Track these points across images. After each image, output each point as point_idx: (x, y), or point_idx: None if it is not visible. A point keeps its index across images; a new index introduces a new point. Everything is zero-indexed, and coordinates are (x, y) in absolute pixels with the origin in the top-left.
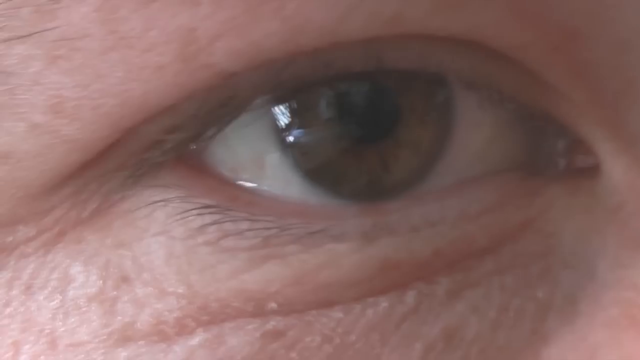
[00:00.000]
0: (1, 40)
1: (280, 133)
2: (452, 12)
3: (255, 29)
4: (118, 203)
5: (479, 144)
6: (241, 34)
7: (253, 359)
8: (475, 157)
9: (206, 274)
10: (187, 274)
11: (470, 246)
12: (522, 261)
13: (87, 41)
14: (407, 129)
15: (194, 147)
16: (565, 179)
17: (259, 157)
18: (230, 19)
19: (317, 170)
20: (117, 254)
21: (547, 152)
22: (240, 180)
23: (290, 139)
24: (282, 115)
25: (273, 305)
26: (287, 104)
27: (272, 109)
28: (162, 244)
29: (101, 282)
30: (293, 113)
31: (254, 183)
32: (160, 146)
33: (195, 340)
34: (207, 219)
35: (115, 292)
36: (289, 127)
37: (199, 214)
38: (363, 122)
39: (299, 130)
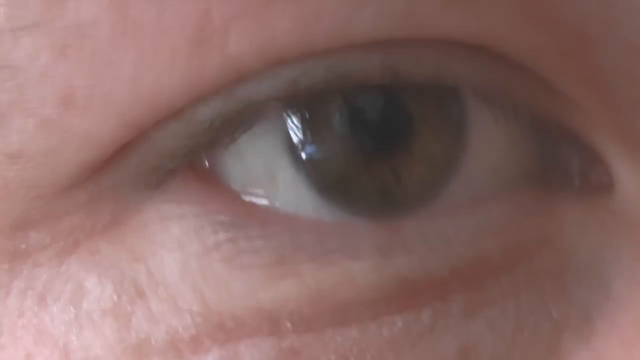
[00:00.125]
0: (8, 30)
1: (293, 148)
2: (463, 10)
3: (269, 13)
4: (133, 216)
5: (493, 159)
6: (255, 17)
7: None
8: (489, 172)
9: (221, 291)
10: (202, 291)
11: (486, 264)
12: (538, 279)
13: (97, 28)
14: (421, 143)
15: (207, 161)
16: (579, 195)
17: (271, 173)
18: (246, 0)
19: (330, 185)
20: (132, 268)
21: (562, 168)
22: (253, 196)
23: (303, 154)
24: (295, 130)
25: (288, 323)
26: (300, 118)
27: (286, 123)
28: (177, 260)
29: (116, 296)
30: (306, 127)
31: (267, 199)
32: (172, 153)
33: (210, 358)
34: (222, 235)
35: (130, 307)
36: (302, 143)
37: (213, 231)
38: (376, 137)
39: (311, 146)
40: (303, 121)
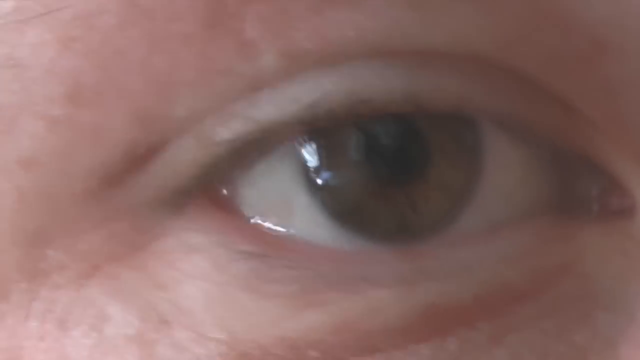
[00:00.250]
0: (12, 22)
1: (309, 175)
2: (477, 16)
3: None
4: (153, 243)
5: (510, 185)
6: (271, 1)
7: None
8: (506, 199)
9: (245, 320)
10: (226, 320)
11: (509, 291)
12: (562, 306)
13: (104, 18)
14: (437, 170)
15: (225, 189)
16: (600, 221)
17: (288, 200)
18: None
19: (347, 213)
20: (155, 295)
21: (581, 194)
22: (271, 223)
23: (319, 181)
24: (311, 157)
25: (314, 353)
26: (316, 145)
27: (302, 149)
28: (200, 289)
29: (139, 323)
30: (322, 154)
31: (285, 227)
32: (189, 174)
33: None
34: (244, 265)
35: (154, 335)
36: (317, 170)
37: (235, 260)
38: (392, 164)
39: (327, 173)
40: (319, 148)
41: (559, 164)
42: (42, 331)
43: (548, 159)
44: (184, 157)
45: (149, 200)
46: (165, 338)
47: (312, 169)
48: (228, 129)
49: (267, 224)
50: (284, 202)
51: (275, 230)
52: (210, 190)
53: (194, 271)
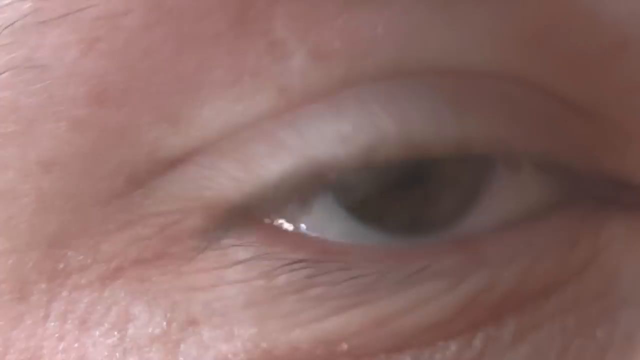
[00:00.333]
0: (33, 25)
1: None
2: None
3: None
4: (189, 251)
5: (532, 179)
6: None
7: None
8: (527, 193)
9: (286, 321)
10: (264, 319)
11: (535, 286)
12: (584, 300)
13: (129, 18)
14: (453, 163)
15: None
16: (623, 216)
17: (305, 200)
18: None
19: (365, 210)
20: (187, 297)
21: (603, 190)
22: (304, 229)
23: (337, 181)
24: None
25: (344, 346)
26: None
27: None
28: (241, 291)
29: (166, 323)
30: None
31: (316, 230)
32: (236, 211)
33: None
34: (298, 273)
35: (180, 334)
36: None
37: (290, 269)
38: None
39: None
40: None
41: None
42: (62, 331)
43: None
44: (222, 181)
45: (181, 208)
46: (192, 336)
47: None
48: (279, 163)
49: (305, 231)
50: (302, 204)
51: (318, 237)
52: (257, 213)
53: (234, 277)
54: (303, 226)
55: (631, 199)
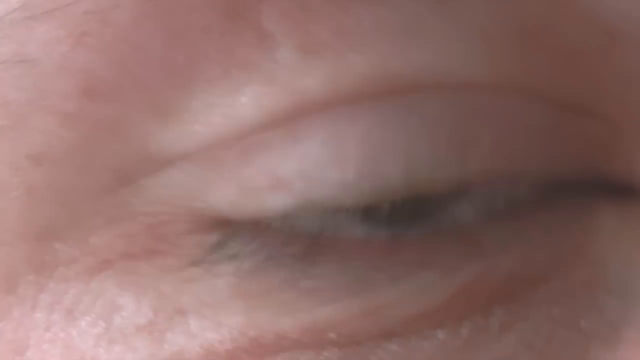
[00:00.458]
0: (21, 19)
1: None
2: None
3: None
4: (178, 250)
5: None
6: None
7: None
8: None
9: (276, 311)
10: (253, 310)
11: (524, 276)
12: (571, 290)
13: (118, 12)
14: None
15: None
16: (613, 207)
17: None
18: None
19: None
20: (177, 289)
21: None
22: (294, 223)
23: None
24: None
25: (333, 335)
26: None
27: None
28: (230, 284)
29: (152, 313)
30: None
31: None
32: (229, 224)
33: None
34: (286, 269)
35: (166, 324)
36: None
37: (281, 264)
38: None
39: None
40: None
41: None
42: (49, 322)
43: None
44: (220, 200)
45: (169, 210)
46: (178, 326)
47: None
48: (275, 200)
49: (291, 224)
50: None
51: (311, 232)
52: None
53: (225, 272)
54: (295, 220)
55: (619, 192)
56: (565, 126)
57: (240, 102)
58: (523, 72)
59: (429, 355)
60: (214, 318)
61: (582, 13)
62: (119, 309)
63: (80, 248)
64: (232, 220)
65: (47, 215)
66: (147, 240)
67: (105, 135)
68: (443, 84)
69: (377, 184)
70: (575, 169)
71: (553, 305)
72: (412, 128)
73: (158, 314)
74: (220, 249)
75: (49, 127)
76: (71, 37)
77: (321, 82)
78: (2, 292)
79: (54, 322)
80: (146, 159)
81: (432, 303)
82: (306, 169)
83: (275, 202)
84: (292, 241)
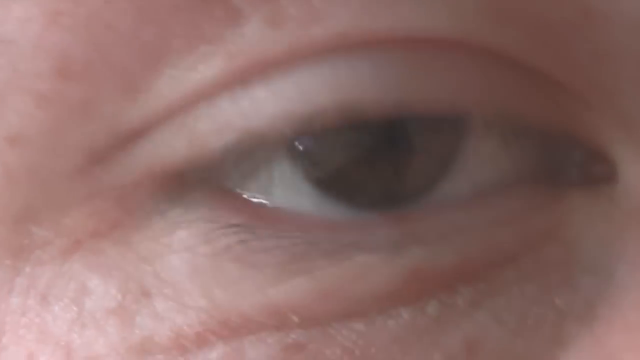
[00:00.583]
0: None
1: (290, 143)
2: None
3: None
4: (139, 220)
5: (494, 152)
6: None
7: None
8: (491, 166)
9: (231, 289)
10: (211, 289)
11: (494, 254)
12: (543, 269)
13: None
14: (421, 136)
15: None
16: (583, 186)
17: (269, 169)
18: None
19: (331, 181)
20: (138, 268)
21: (565, 162)
22: (254, 195)
23: (301, 148)
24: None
25: (295, 318)
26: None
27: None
28: (185, 261)
29: (120, 295)
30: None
31: (268, 198)
32: (181, 177)
33: (215, 353)
34: (233, 237)
35: (134, 306)
36: (299, 137)
37: (224, 234)
38: (375, 131)
39: (309, 139)
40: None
41: (542, 137)
42: (24, 307)
43: (532, 134)
44: (173, 153)
45: (135, 182)
46: (146, 308)
47: (293, 137)
48: (219, 138)
49: (251, 197)
50: (265, 171)
51: (260, 202)
52: (199, 179)
53: (179, 245)
54: (252, 191)
55: (591, 174)
56: (532, 87)
57: (205, 76)
58: (492, 33)
59: (395, 333)
60: (177, 299)
61: None
62: (89, 292)
63: (54, 230)
64: (185, 176)
65: (23, 198)
66: (114, 214)
67: (77, 114)
68: (397, 37)
69: (310, 110)
70: (542, 123)
71: (525, 283)
72: (360, 71)
73: (125, 297)
74: (174, 215)
75: (24, 107)
76: (45, 16)
77: (285, 53)
78: None
79: (30, 307)
80: (116, 136)
81: (384, 284)
82: (247, 107)
83: (218, 141)
84: (240, 211)
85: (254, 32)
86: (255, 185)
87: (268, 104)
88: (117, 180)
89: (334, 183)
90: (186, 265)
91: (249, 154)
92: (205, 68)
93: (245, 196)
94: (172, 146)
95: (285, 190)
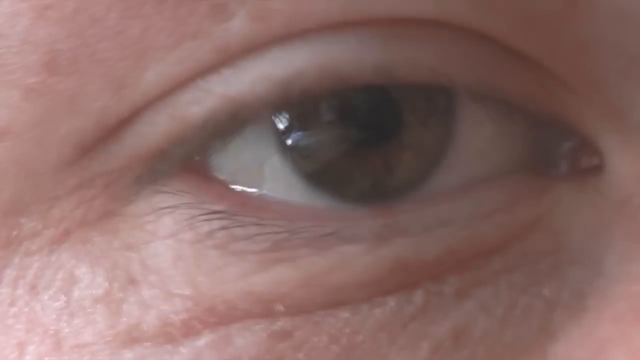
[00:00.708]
0: None
1: (281, 137)
2: None
3: None
4: (125, 207)
5: (481, 144)
6: None
7: None
8: (478, 157)
9: (214, 276)
10: (194, 276)
11: (480, 245)
12: (531, 259)
13: None
14: (409, 130)
15: (197, 157)
16: (571, 177)
17: (260, 162)
18: None
19: (319, 173)
20: (124, 256)
21: (552, 152)
22: (244, 185)
23: (291, 142)
24: (283, 119)
25: (280, 306)
26: (289, 111)
27: (274, 114)
28: (170, 247)
29: (107, 284)
30: (294, 117)
31: (257, 188)
32: (165, 155)
33: (202, 341)
34: (216, 224)
35: (121, 294)
36: (289, 131)
37: (207, 220)
38: (365, 124)
39: (299, 133)
40: (292, 111)
41: (530, 123)
42: (13, 296)
43: (519, 118)
44: (155, 130)
45: (121, 167)
46: (132, 296)
47: (284, 131)
48: (200, 107)
49: (241, 187)
50: (255, 163)
51: (249, 191)
52: (183, 158)
53: (163, 231)
54: (243, 185)
55: (579, 165)
56: (518, 67)
57: (191, 71)
58: (479, 20)
59: (382, 321)
60: (162, 287)
61: None
62: (77, 281)
63: (43, 221)
64: (169, 153)
65: (12, 190)
66: (102, 202)
67: (65, 107)
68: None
69: (289, 73)
70: (528, 102)
71: (512, 273)
72: (342, 37)
73: (112, 285)
74: (159, 201)
75: (12, 100)
76: (33, 10)
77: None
78: None
79: (19, 297)
80: (104, 127)
81: (367, 273)
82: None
83: (199, 110)
84: (223, 198)
85: (240, 27)
86: (245, 179)
87: (247, 69)
88: (105, 167)
89: (323, 177)
90: (171, 252)
91: (231, 122)
92: (191, 62)
93: (231, 185)
94: (154, 123)
95: (275, 183)
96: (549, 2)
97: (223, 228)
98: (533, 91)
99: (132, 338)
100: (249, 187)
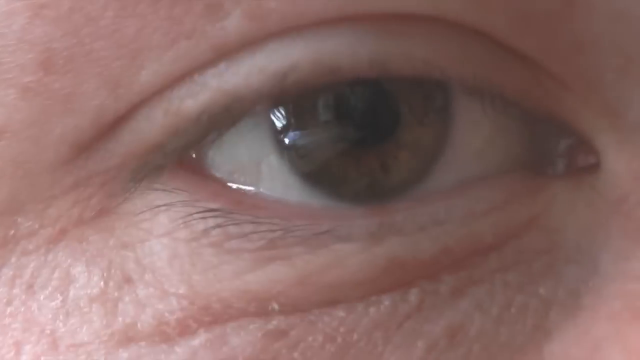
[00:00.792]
0: None
1: (278, 136)
2: None
3: None
4: (121, 205)
5: (478, 143)
6: None
7: (256, 359)
8: (475, 156)
9: (209, 275)
10: (189, 275)
11: (475, 244)
12: (526, 258)
13: None
14: (406, 129)
15: (194, 154)
16: (566, 176)
17: (257, 161)
18: None
19: (316, 172)
20: (120, 255)
21: (548, 150)
22: (240, 183)
23: (288, 141)
24: (280, 118)
25: (275, 305)
26: (285, 107)
27: (272, 113)
28: (165, 246)
29: (103, 283)
30: (291, 115)
31: (253, 186)
32: (161, 149)
33: (197, 340)
34: (211, 222)
35: (117, 293)
36: (286, 130)
37: (202, 218)
38: (361, 124)
39: (296, 133)
40: (288, 110)
41: (526, 122)
42: (10, 296)
43: (516, 117)
44: (151, 126)
45: (118, 165)
46: (128, 295)
47: (281, 130)
48: (195, 100)
49: (237, 185)
50: (252, 162)
51: (245, 189)
52: (179, 153)
53: (159, 230)
54: (240, 184)
55: (575, 163)
56: (513, 62)
57: (185, 70)
58: (475, 18)
59: (377, 320)
60: (157, 285)
61: None
62: (73, 280)
63: (39, 220)
64: (165, 148)
65: (9, 189)
66: (98, 200)
67: (61, 106)
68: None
69: (284, 65)
70: (524, 98)
71: (507, 271)
72: (336, 30)
73: (108, 284)
74: (155, 198)
75: (9, 99)
76: (29, 9)
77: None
78: None
79: (15, 296)
80: (100, 126)
81: (362, 272)
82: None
83: (194, 103)
84: (219, 195)
85: (235, 26)
86: (242, 177)
87: (242, 62)
88: (101, 166)
89: (320, 176)
90: (166, 251)
91: (226, 114)
92: (186, 61)
93: (228, 183)
94: (150, 119)
95: (272, 182)
96: (546, 1)
97: (218, 226)
98: (529, 88)
99: (127, 337)
100: (245, 185)
